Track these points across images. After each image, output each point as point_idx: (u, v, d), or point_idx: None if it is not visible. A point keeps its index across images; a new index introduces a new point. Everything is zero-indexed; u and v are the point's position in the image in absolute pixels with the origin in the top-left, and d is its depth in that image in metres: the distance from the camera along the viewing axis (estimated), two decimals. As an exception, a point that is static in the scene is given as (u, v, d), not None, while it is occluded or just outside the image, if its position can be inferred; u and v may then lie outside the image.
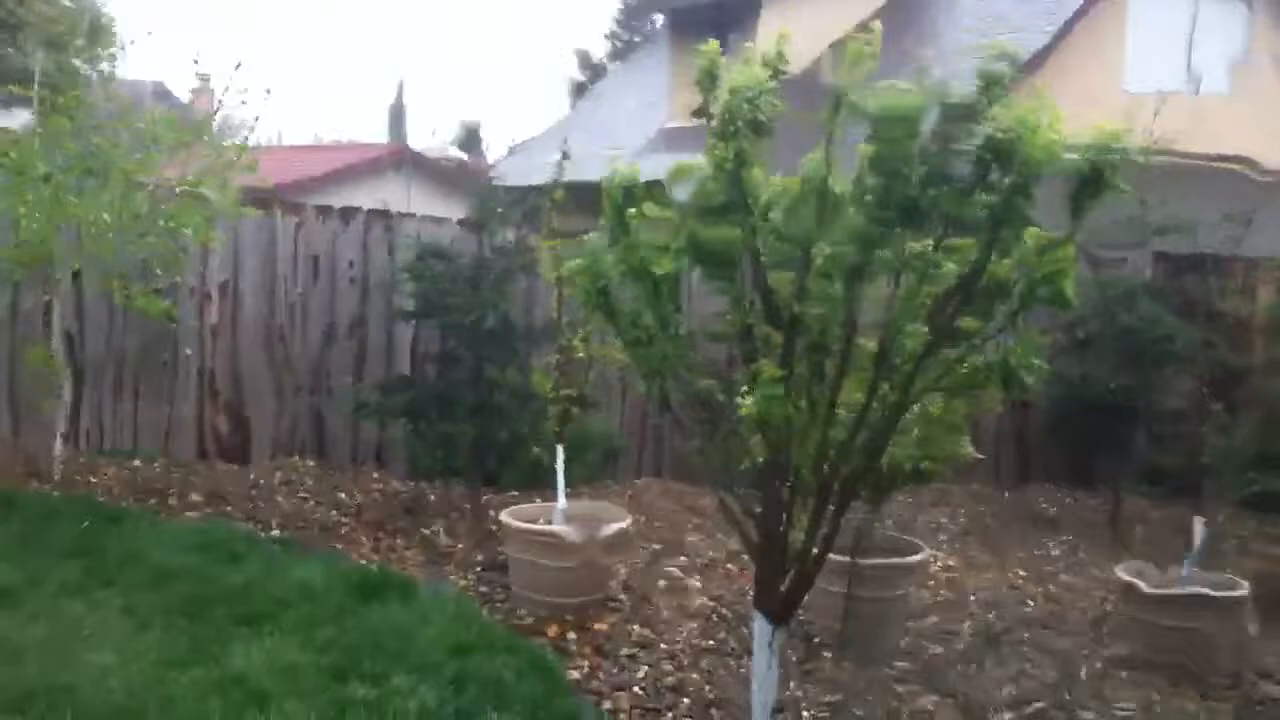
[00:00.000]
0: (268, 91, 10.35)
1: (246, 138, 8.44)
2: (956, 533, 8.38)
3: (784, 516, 4.00)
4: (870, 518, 5.41)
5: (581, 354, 6.68)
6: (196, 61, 9.69)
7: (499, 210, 8.17)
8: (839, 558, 5.19)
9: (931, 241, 3.68)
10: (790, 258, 3.84)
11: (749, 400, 3.69)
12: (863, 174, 3.64)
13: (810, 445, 3.82)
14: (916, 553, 6.09)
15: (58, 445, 7.58)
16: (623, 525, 6.37)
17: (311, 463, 9.04)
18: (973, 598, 6.88)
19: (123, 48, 13.84)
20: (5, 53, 7.36)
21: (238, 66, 7.98)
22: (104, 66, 8.08)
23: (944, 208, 3.57)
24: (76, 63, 7.30)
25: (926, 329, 3.75)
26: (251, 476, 8.48)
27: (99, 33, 13.91)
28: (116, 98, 8.55)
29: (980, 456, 4.48)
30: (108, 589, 5.50)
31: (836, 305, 3.76)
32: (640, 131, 18.39)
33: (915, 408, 3.96)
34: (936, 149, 3.53)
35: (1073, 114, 3.60)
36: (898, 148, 3.52)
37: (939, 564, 7.39)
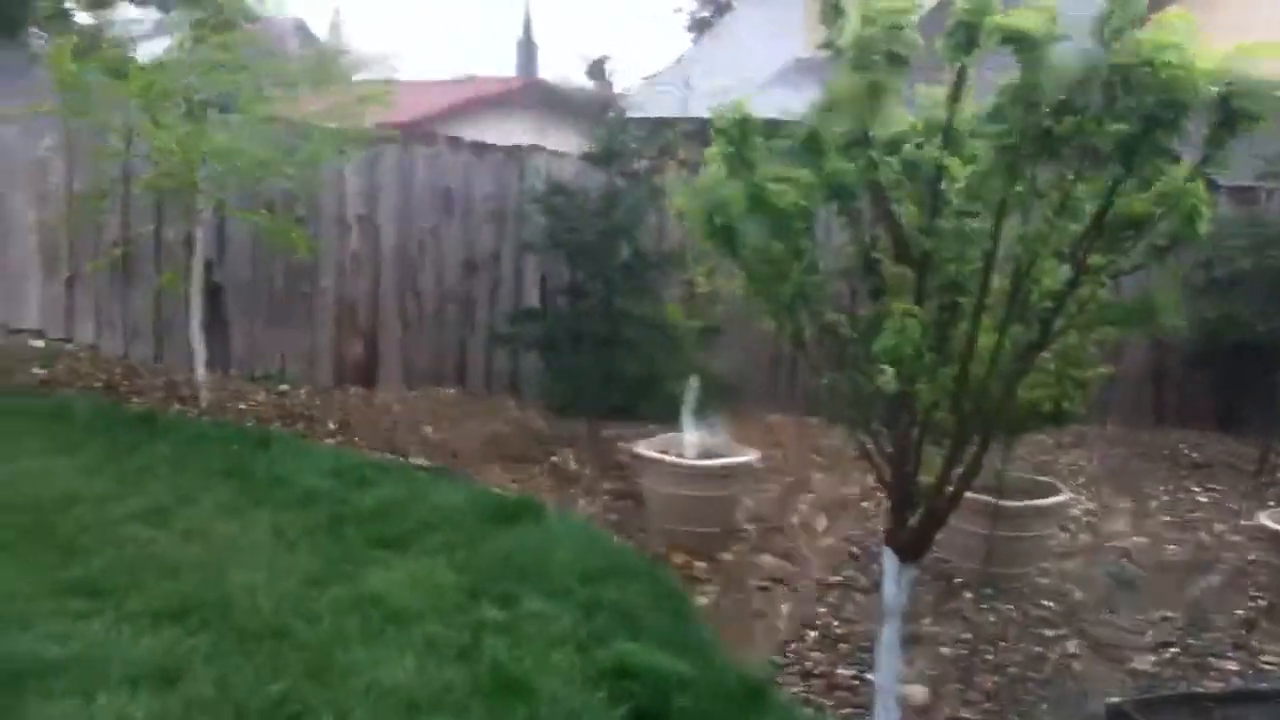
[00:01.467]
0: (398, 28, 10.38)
1: (383, 74, 8.53)
2: (1095, 475, 8.21)
3: (913, 454, 3.98)
4: (1009, 458, 5.34)
5: (707, 287, 6.69)
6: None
7: (627, 143, 8.18)
8: (979, 497, 5.16)
9: (1070, 174, 3.58)
10: (916, 193, 3.79)
11: (881, 337, 3.66)
12: (998, 104, 3.55)
13: (943, 383, 3.78)
14: (1056, 495, 6.01)
15: (200, 371, 7.86)
16: (751, 458, 6.42)
17: (447, 391, 9.24)
18: (1112, 542, 6.76)
19: None
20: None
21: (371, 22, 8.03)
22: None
23: (1079, 138, 3.47)
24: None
25: (1063, 265, 3.67)
26: (388, 404, 8.71)
27: None
28: (257, 37, 8.72)
29: (1109, 370, 4.32)
30: (256, 509, 5.73)
31: (963, 239, 3.69)
32: (770, 64, 18.14)
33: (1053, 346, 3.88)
34: (1074, 75, 3.42)
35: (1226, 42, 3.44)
36: (1033, 74, 3.42)
37: (1078, 507, 7.26)
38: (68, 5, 7.97)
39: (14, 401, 7.13)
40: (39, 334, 8.71)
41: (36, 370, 7.96)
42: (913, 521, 4.08)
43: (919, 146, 3.80)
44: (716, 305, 6.83)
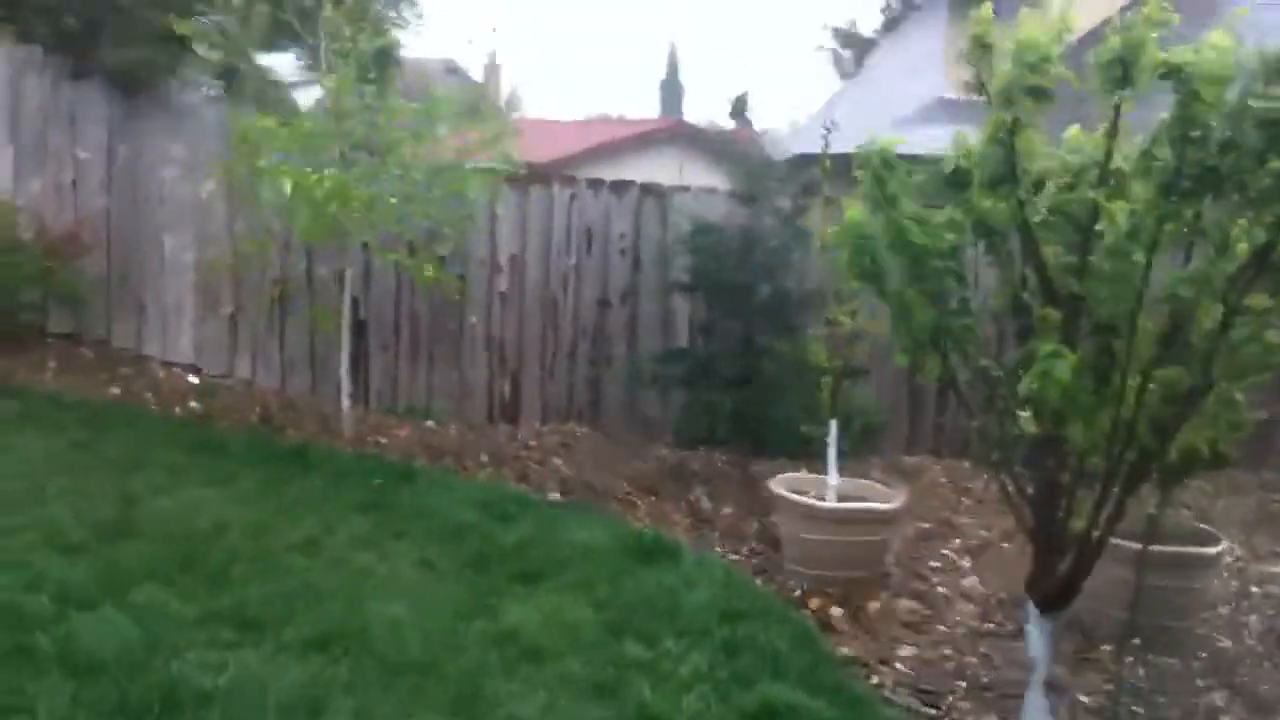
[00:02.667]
0: (544, 68, 10.58)
1: (520, 113, 8.68)
2: (1243, 520, 7.85)
3: (1061, 499, 3.87)
4: (1164, 503, 5.14)
5: (849, 326, 6.62)
6: (472, 41, 10.01)
7: (770, 181, 8.19)
8: (1127, 544, 4.98)
9: (1228, 213, 3.45)
10: (1065, 232, 3.70)
11: (1027, 378, 3.57)
12: (1155, 141, 3.45)
13: (1096, 426, 3.66)
14: (1213, 543, 5.74)
15: (345, 404, 8.07)
16: (894, 502, 6.31)
17: (586, 428, 9.32)
18: (1260, 588, 6.46)
19: (418, 22, 14.05)
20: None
21: (493, 31, 8.17)
22: (399, 43, 8.49)
23: (1238, 175, 3.34)
24: (365, 41, 7.68)
25: (1221, 306, 3.53)
26: (529, 440, 8.81)
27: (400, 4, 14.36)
28: (407, 79, 8.95)
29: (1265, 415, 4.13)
30: (399, 541, 5.84)
31: (1120, 281, 3.58)
32: (914, 102, 17.96)
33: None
34: (1247, 111, 3.30)
35: None
36: (1200, 110, 3.31)
37: (1231, 555, 6.95)
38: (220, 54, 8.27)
39: (173, 434, 7.41)
40: (196, 368, 9.05)
41: (194, 403, 8.26)
42: (1059, 569, 3.96)
43: (1070, 185, 3.72)
44: (859, 344, 6.76)
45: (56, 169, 8.88)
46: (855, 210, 4.14)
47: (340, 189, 7.21)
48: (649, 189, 9.65)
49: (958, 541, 7.14)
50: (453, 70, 22.05)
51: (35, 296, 8.54)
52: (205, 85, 9.41)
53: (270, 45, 9.37)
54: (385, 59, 8.08)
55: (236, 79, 8.99)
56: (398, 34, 8.39)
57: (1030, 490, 4.00)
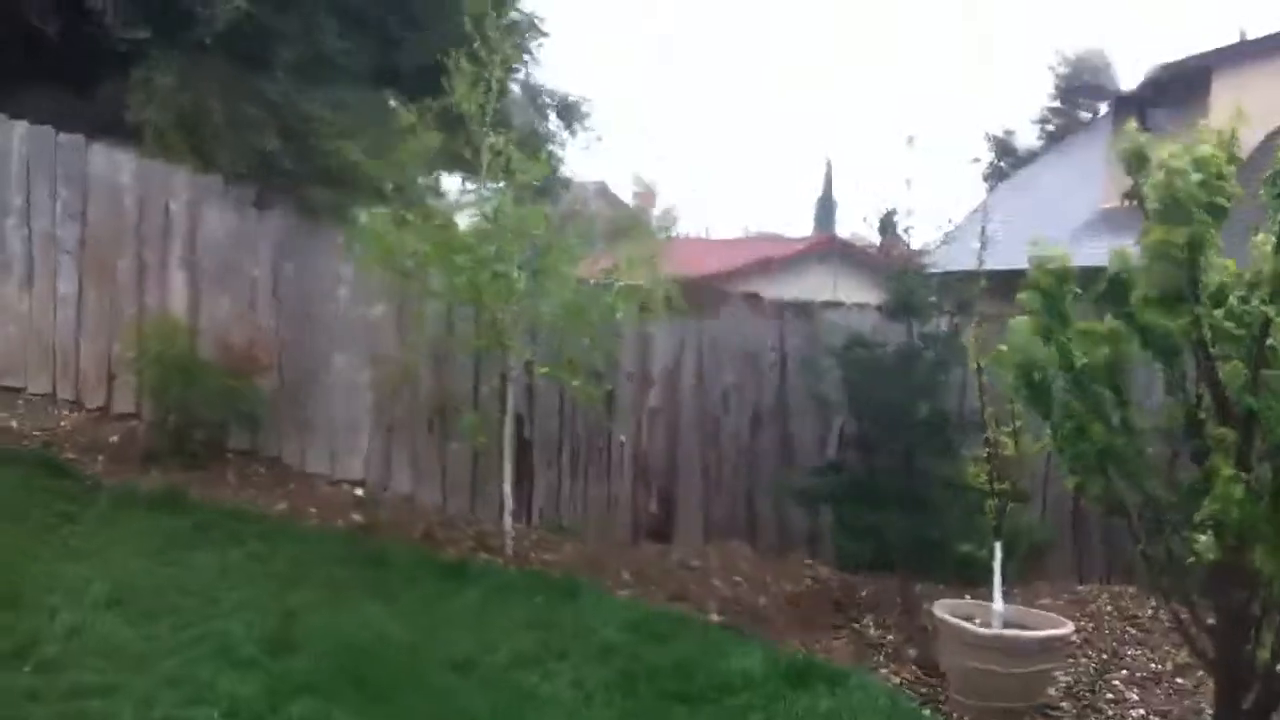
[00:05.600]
0: (697, 188, 10.78)
1: (675, 231, 8.82)
2: None
3: (1247, 629, 3.67)
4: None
5: (1011, 447, 6.45)
6: (637, 169, 10.21)
7: (924, 296, 8.11)
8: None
9: None
10: (1239, 348, 3.57)
11: (1208, 501, 3.42)
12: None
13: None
14: None
15: (507, 521, 8.17)
16: (1062, 631, 6.08)
17: (741, 546, 9.22)
18: None
19: (597, 136, 14.45)
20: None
21: (676, 183, 8.34)
22: (558, 166, 8.79)
23: None
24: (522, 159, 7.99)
25: None
26: (686, 559, 8.76)
27: (569, 115, 14.79)
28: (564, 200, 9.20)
29: None
30: (557, 660, 5.85)
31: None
32: (1072, 216, 17.71)
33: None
34: None
35: None
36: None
37: None
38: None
39: (337, 548, 7.60)
40: (360, 483, 9.29)
41: (356, 517, 8.47)
42: (1244, 704, 3.74)
43: (1243, 299, 3.60)
44: (1021, 467, 6.58)
45: (235, 290, 9.37)
46: (1020, 328, 4.08)
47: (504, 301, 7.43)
48: (801, 305, 9.66)
49: (1125, 672, 6.81)
50: (607, 191, 22.56)
51: (216, 415, 8.90)
52: (373, 207, 9.83)
53: (437, 169, 9.79)
54: (544, 181, 8.35)
55: (401, 201, 9.41)
56: (557, 156, 8.65)
57: (1210, 620, 3.80)
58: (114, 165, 9.51)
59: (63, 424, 9.12)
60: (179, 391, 8.65)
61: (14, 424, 8.93)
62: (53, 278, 9.55)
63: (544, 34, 12.54)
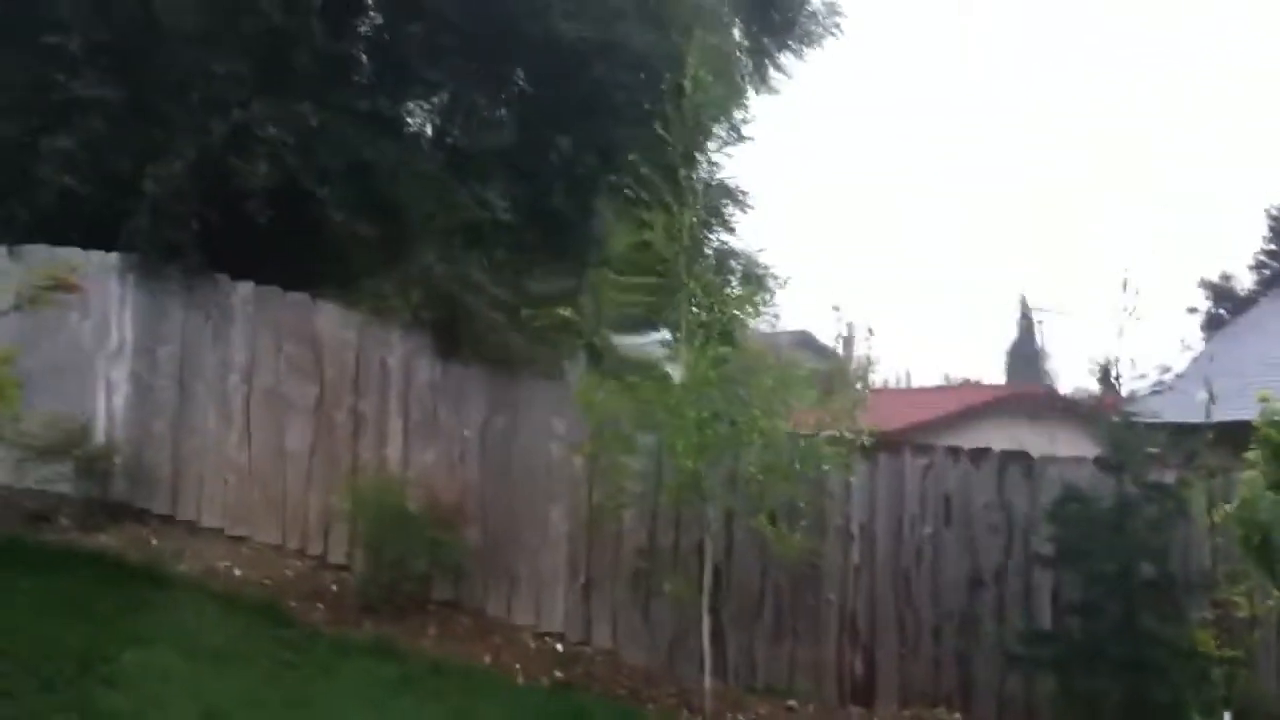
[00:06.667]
0: (897, 334, 10.67)
1: (871, 382, 8.75)
2: None
3: None
4: None
5: (1244, 610, 6.06)
6: (838, 309, 10.22)
7: (1143, 450, 7.78)
8: None
9: None
10: None
11: None
12: None
13: None
14: None
15: (707, 679, 8.04)
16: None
17: (950, 714, 8.82)
18: None
19: (774, 300, 14.58)
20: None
21: (871, 333, 8.34)
22: (759, 317, 8.90)
23: None
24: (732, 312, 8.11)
25: None
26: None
27: (756, 283, 14.94)
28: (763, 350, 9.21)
29: None
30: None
31: None
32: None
33: None
34: None
35: None
36: None
37: None
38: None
39: (539, 705, 7.63)
40: (560, 637, 9.33)
41: (557, 673, 8.49)
42: None
43: None
44: (1255, 631, 6.17)
45: (443, 443, 9.70)
46: (1249, 484, 3.89)
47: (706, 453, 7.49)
48: (1010, 456, 9.33)
49: None
50: (806, 342, 22.56)
51: (422, 567, 9.11)
52: (573, 363, 10.10)
53: (635, 328, 10.02)
54: (742, 333, 8.43)
55: (600, 358, 9.64)
56: (756, 307, 8.72)
57: None
58: (335, 321, 10.07)
59: (286, 572, 9.52)
60: (391, 544, 8.93)
61: (237, 571, 9.35)
62: (274, 430, 10.08)
63: (748, 206, 12.97)
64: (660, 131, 8.13)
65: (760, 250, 14.69)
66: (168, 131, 10.33)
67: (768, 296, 13.70)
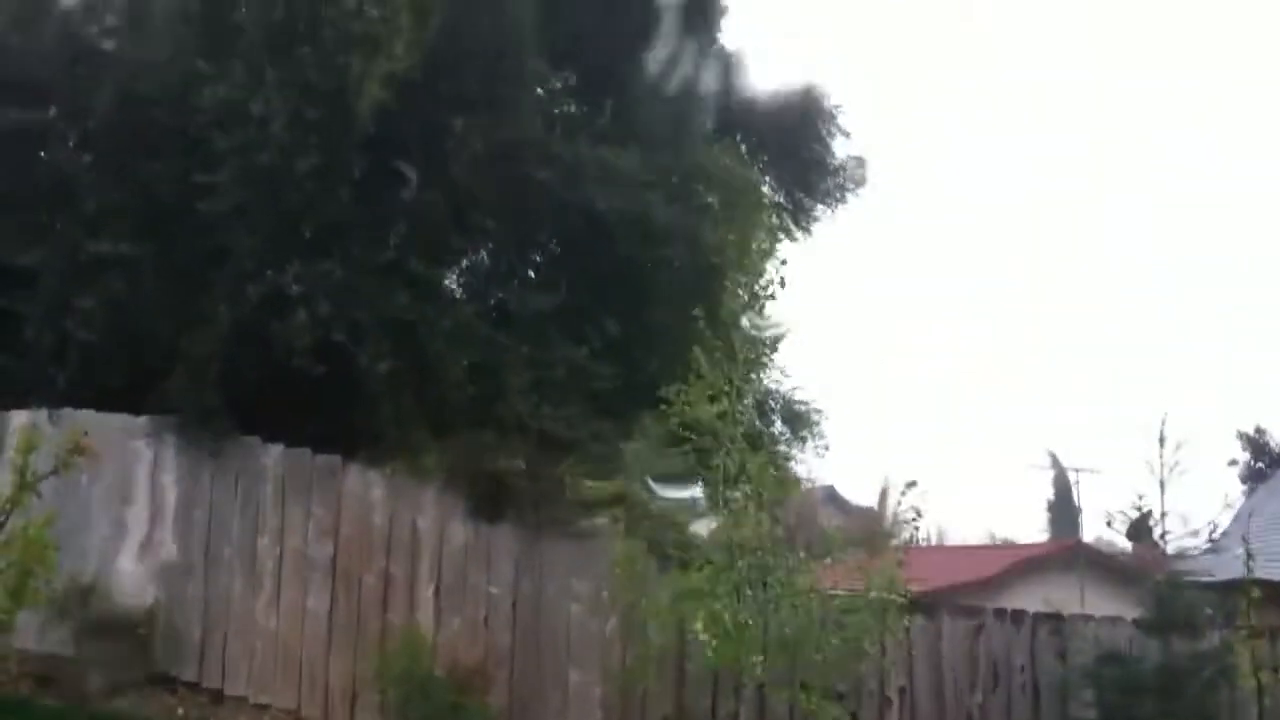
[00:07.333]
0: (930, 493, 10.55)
1: (908, 541, 8.59)
2: None
3: None
4: None
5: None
6: (879, 473, 10.17)
7: (1186, 609, 7.59)
8: None
9: None
10: None
11: None
12: None
13: None
14: None
15: None
16: None
17: None
18: None
19: (825, 446, 14.66)
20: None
21: (910, 485, 8.18)
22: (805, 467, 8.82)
23: None
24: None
25: None
26: None
27: (802, 426, 14.84)
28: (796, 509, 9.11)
29: None
30: None
31: None
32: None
33: None
34: None
35: None
36: None
37: None
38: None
39: None
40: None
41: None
42: None
43: None
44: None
45: (472, 606, 9.51)
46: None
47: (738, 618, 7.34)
48: (1045, 617, 9.15)
49: None
50: (834, 497, 22.39)
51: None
52: (602, 521, 9.98)
53: (667, 482, 9.97)
54: (781, 492, 8.34)
55: (629, 514, 9.55)
56: (801, 476, 8.68)
57: None
58: (366, 483, 9.99)
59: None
60: (419, 712, 8.70)
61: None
62: (303, 594, 9.89)
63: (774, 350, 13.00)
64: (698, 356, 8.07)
65: (796, 389, 14.66)
66: (200, 293, 10.47)
67: (812, 430, 13.56)
